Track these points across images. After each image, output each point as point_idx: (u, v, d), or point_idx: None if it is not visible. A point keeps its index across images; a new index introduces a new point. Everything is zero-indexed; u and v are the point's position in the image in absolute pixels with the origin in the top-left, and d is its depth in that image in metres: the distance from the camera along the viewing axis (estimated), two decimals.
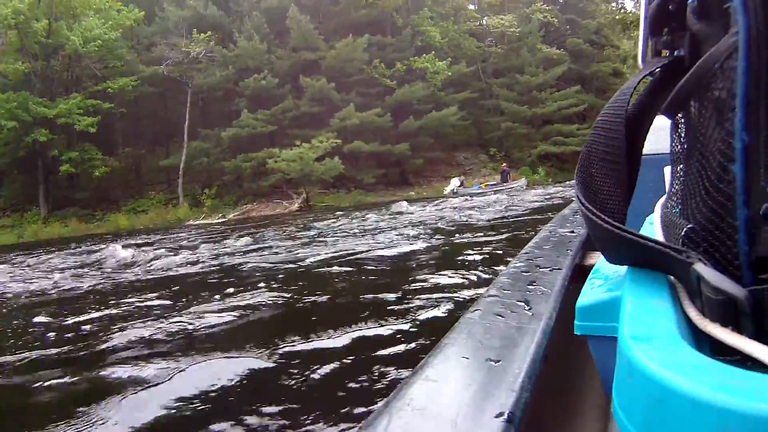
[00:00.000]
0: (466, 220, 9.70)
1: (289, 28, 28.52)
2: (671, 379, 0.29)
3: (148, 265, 7.20)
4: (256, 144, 27.36)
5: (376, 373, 2.49)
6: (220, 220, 24.11)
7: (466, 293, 3.75)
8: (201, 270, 6.43)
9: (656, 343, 0.34)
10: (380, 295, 4.01)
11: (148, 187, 30.56)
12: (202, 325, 3.59)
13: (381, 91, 28.33)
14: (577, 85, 32.02)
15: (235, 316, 3.80)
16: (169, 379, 2.60)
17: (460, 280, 4.28)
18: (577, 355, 0.92)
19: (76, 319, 4.14)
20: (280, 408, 2.22)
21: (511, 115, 30.43)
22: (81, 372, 2.86)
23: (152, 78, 28.99)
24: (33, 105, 24.75)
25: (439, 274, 4.55)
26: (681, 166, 0.49)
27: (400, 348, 2.81)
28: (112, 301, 4.79)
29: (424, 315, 3.36)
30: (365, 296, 4.10)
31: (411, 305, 3.62)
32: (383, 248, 6.51)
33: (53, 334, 3.81)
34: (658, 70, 0.51)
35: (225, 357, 2.90)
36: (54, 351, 3.36)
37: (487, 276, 4.27)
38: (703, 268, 0.36)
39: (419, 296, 3.85)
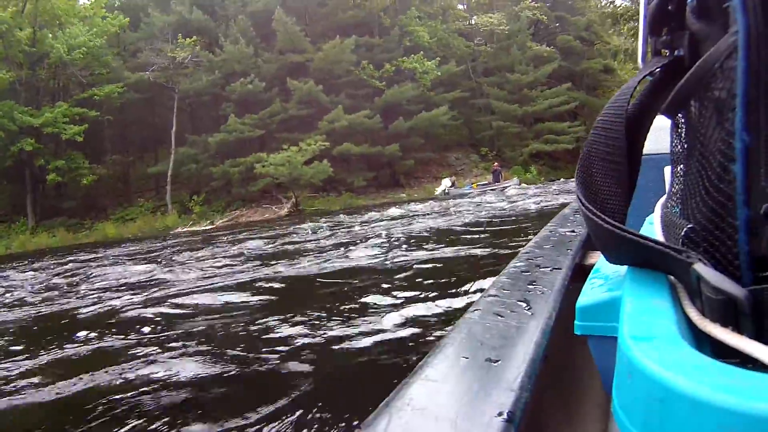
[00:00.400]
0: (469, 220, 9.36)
1: (276, 30, 28.19)
2: (671, 378, 0.29)
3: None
4: (245, 149, 27.04)
5: (377, 373, 2.54)
6: (207, 227, 23.79)
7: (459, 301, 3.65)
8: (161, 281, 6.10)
9: (656, 342, 0.34)
10: (372, 298, 3.98)
11: (136, 195, 30.29)
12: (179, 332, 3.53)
13: (370, 92, 28.01)
14: (568, 82, 31.67)
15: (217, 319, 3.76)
16: (167, 380, 2.62)
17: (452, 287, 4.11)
18: (577, 355, 0.93)
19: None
20: (281, 408, 2.25)
21: (502, 114, 30.10)
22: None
23: (138, 84, 28.70)
24: (18, 114, 24.39)
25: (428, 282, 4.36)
26: (681, 166, 0.49)
27: (400, 348, 2.82)
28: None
29: (417, 314, 3.35)
30: (360, 298, 4.07)
31: (405, 307, 3.58)
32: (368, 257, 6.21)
33: None
34: (657, 70, 0.51)
35: (216, 360, 2.90)
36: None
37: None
38: (703, 268, 0.36)
39: (413, 299, 3.81)
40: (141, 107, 30.92)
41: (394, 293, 3.97)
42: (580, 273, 1.01)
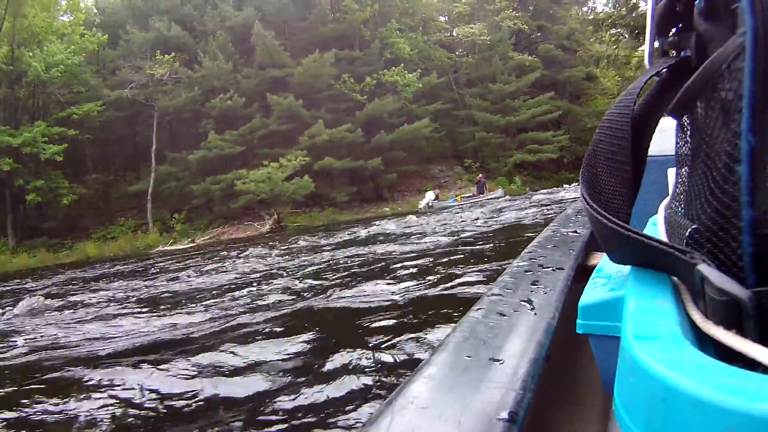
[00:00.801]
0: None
1: (255, 45, 27.94)
2: (674, 378, 0.29)
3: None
4: (226, 166, 26.72)
5: (378, 372, 2.58)
6: (188, 245, 23.43)
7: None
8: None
9: (659, 342, 0.34)
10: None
11: (118, 214, 29.87)
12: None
13: (351, 106, 27.72)
14: (551, 91, 31.54)
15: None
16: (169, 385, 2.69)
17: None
18: (580, 354, 0.94)
19: None
20: (281, 408, 2.27)
21: (484, 125, 29.87)
22: None
23: (118, 102, 28.40)
24: None
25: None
26: (686, 167, 0.50)
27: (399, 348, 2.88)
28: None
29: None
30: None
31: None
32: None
33: None
34: (664, 70, 0.52)
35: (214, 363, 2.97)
36: None
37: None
38: (707, 269, 0.36)
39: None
40: (121, 125, 30.53)
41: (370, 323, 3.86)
42: (582, 273, 1.01)
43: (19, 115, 27.54)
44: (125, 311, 5.55)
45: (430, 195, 24.56)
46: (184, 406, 2.49)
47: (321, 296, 4.88)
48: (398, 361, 2.74)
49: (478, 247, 7.18)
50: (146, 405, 2.57)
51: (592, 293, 0.58)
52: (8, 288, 11.32)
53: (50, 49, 26.55)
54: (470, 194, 24.61)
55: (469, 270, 5.19)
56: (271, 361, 2.98)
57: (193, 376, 2.84)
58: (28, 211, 27.68)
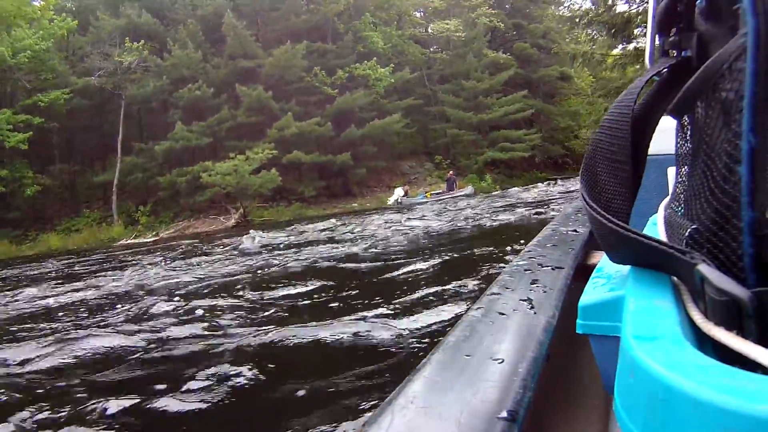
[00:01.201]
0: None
1: (226, 35, 27.36)
2: (674, 379, 0.29)
3: None
4: (194, 157, 26.20)
5: (379, 372, 2.63)
6: (152, 239, 22.94)
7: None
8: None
9: (659, 343, 0.34)
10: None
11: (84, 205, 29.16)
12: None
13: (321, 99, 27.25)
14: (525, 89, 31.35)
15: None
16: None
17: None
18: (579, 354, 0.95)
19: None
20: (282, 408, 2.33)
21: (457, 122, 29.55)
22: None
23: (85, 90, 27.65)
24: None
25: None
26: (686, 167, 0.50)
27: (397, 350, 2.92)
28: None
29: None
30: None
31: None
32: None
33: None
34: (665, 70, 0.52)
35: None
36: None
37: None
38: (706, 269, 0.36)
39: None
40: (89, 114, 29.79)
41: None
42: (582, 272, 1.00)
43: None
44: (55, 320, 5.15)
45: (399, 191, 24.30)
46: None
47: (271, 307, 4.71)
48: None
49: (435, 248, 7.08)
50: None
51: (591, 293, 0.57)
52: None
53: (18, 34, 25.77)
54: (440, 191, 24.39)
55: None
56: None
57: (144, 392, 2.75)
58: None
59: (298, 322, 3.78)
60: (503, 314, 0.71)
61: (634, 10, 18.56)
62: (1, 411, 2.63)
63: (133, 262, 10.50)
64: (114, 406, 2.53)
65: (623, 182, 0.51)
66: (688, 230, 0.42)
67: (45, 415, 2.54)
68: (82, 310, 5.37)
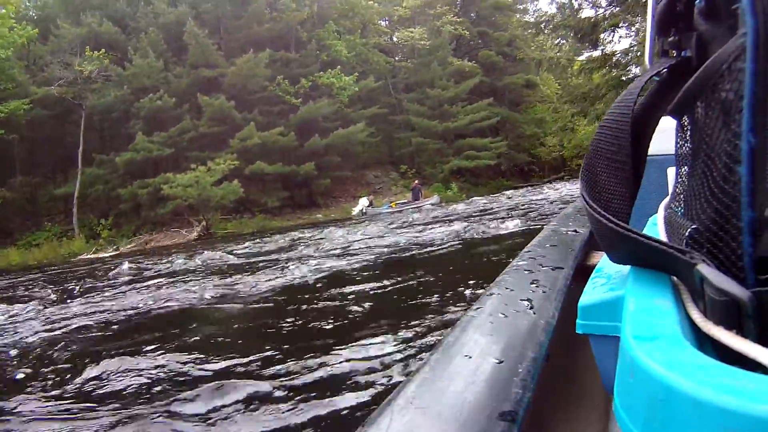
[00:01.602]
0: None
1: (188, 44, 26.98)
2: (674, 379, 0.29)
3: None
4: (157, 168, 25.80)
5: (379, 372, 2.70)
6: (112, 254, 22.47)
7: None
8: None
9: (659, 343, 0.34)
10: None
11: (45, 218, 28.56)
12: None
13: (285, 108, 26.96)
14: (490, 97, 31.40)
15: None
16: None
17: None
18: (579, 354, 0.94)
19: None
20: (283, 407, 2.38)
21: (422, 131, 29.47)
22: None
23: (46, 100, 26.98)
24: None
25: None
26: (686, 167, 0.50)
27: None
28: None
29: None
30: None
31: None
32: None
33: None
34: (664, 70, 0.52)
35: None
36: None
37: None
38: (706, 269, 0.36)
39: None
40: (50, 125, 29.11)
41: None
42: (582, 273, 1.00)
43: None
44: None
45: (363, 201, 24.14)
46: None
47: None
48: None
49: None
50: None
51: (591, 293, 0.57)
52: None
53: None
54: (405, 200, 24.29)
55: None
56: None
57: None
58: None
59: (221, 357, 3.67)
60: (503, 314, 0.71)
61: (601, 15, 18.67)
62: None
63: (71, 281, 10.11)
64: None
65: (623, 182, 0.51)
66: (688, 230, 0.42)
67: None
68: None
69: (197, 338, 4.24)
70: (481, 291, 4.67)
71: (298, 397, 2.56)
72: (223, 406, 2.56)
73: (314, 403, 2.47)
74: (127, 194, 25.41)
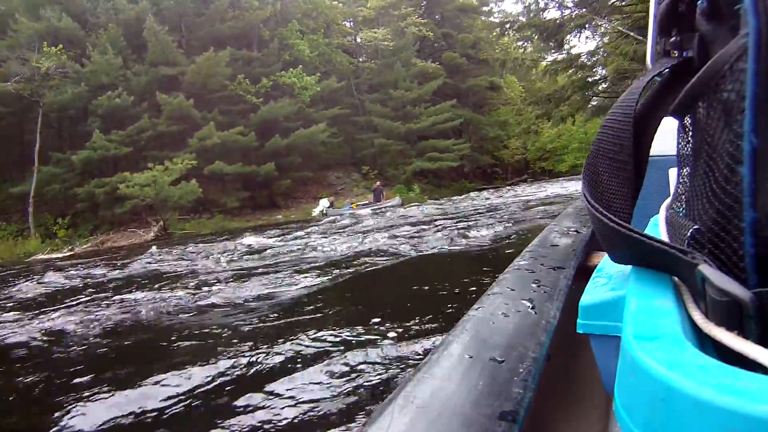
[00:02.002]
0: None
1: (147, 41, 26.59)
2: (674, 379, 0.29)
3: None
4: (116, 167, 25.41)
5: (380, 372, 2.71)
6: (67, 254, 22.09)
7: None
8: None
9: (660, 342, 0.34)
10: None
11: (1, 217, 27.91)
12: None
13: (245, 108, 26.74)
14: (453, 99, 31.50)
15: None
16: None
17: None
18: (580, 354, 0.94)
19: None
20: (283, 407, 2.42)
21: (384, 132, 29.44)
22: None
23: (2, 97, 26.34)
24: None
25: None
26: (687, 167, 0.50)
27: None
28: None
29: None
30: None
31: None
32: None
33: None
34: (666, 70, 0.52)
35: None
36: None
37: None
38: (708, 270, 0.36)
39: None
40: (8, 122, 28.51)
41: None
42: (583, 273, 1.00)
43: None
44: None
45: (324, 202, 24.07)
46: None
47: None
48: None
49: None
50: None
51: (592, 293, 0.57)
52: None
53: None
54: (367, 202, 24.25)
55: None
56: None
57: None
58: None
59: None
60: (504, 314, 0.71)
61: (567, 16, 18.78)
62: None
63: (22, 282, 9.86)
64: None
65: (625, 182, 0.51)
66: (690, 231, 0.42)
67: None
68: None
69: (164, 345, 4.20)
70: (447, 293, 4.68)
71: (298, 398, 2.57)
72: (218, 407, 2.58)
73: (314, 404, 2.50)
74: (84, 193, 25.03)
